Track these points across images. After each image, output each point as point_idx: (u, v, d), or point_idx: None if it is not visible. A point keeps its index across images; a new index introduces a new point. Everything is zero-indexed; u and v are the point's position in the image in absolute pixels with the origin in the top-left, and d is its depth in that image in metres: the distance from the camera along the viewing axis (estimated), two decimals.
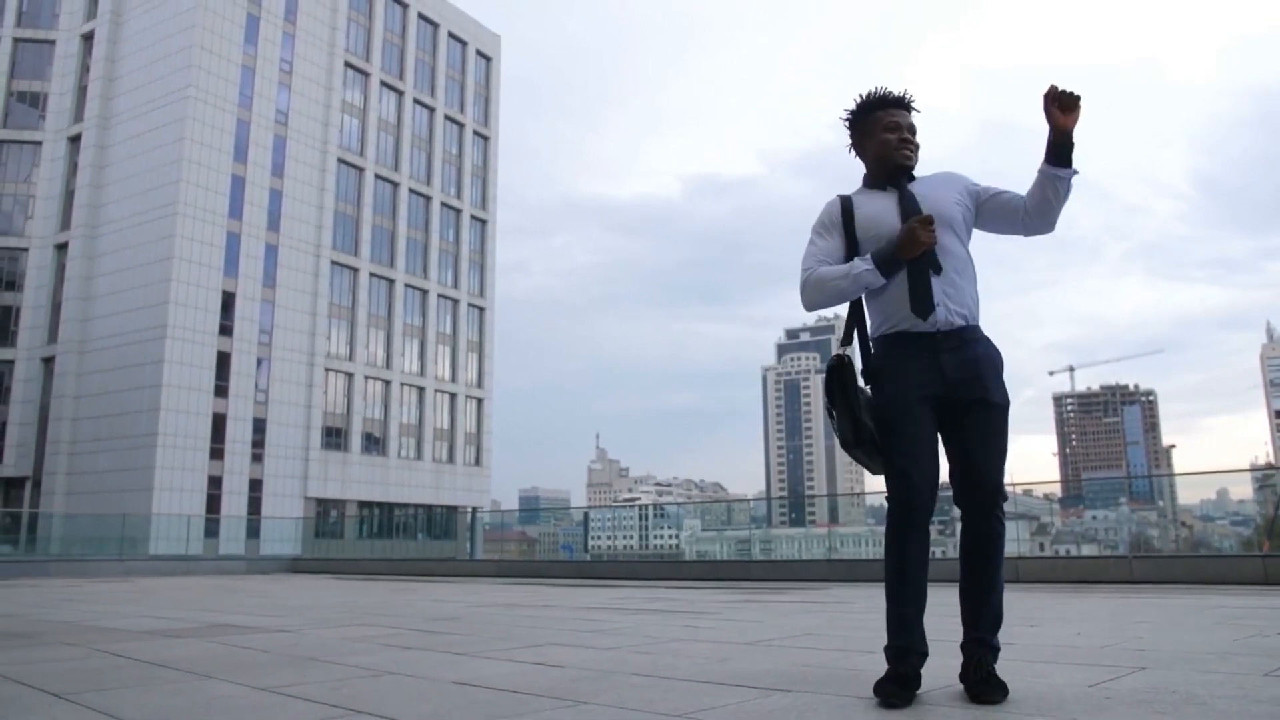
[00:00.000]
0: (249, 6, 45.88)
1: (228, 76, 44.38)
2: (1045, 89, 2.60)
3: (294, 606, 8.06)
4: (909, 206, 2.69)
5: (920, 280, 2.63)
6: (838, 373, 2.66)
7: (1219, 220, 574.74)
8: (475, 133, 57.81)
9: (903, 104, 2.78)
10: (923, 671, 2.60)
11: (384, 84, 52.28)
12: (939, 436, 2.67)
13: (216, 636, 5.10)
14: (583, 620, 6.02)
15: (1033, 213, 2.69)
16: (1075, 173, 2.63)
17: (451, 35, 57.02)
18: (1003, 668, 3.30)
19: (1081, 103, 2.57)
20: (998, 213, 2.77)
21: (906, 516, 2.59)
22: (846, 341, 2.77)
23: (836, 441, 2.77)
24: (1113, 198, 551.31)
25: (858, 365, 2.75)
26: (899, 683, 2.50)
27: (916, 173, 2.81)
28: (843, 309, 2.86)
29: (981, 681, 2.52)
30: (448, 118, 55.91)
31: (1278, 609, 5.88)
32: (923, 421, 2.60)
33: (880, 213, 2.71)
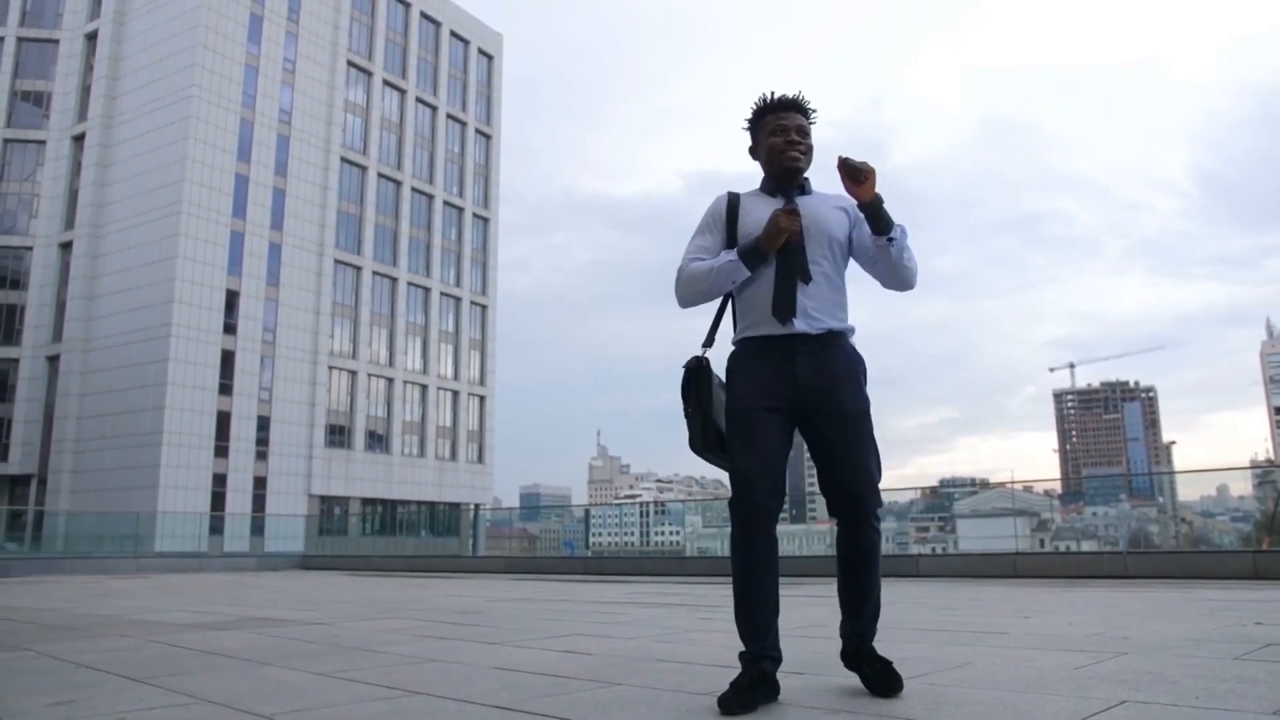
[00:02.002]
0: (252, 6, 46.12)
1: (231, 76, 44.64)
2: (836, 161, 2.60)
3: (318, 601, 8.36)
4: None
5: (785, 284, 2.62)
6: (695, 375, 2.66)
7: (1220, 218, 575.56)
8: (477, 131, 58.08)
9: (792, 106, 2.73)
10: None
11: (386, 83, 52.54)
12: (797, 442, 2.67)
13: (257, 629, 5.40)
14: (600, 614, 6.32)
15: (884, 276, 2.70)
16: (893, 237, 2.62)
17: (454, 34, 57.27)
18: (997, 654, 3.60)
19: (871, 171, 2.57)
20: (860, 250, 2.74)
21: (744, 522, 2.56)
22: (708, 344, 2.74)
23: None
24: (1113, 195, 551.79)
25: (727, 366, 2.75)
26: (737, 690, 2.46)
27: (817, 187, 2.79)
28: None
29: (880, 676, 2.56)
30: (450, 116, 56.17)
31: (1261, 601, 6.18)
32: (767, 425, 2.57)
33: (764, 218, 2.66)
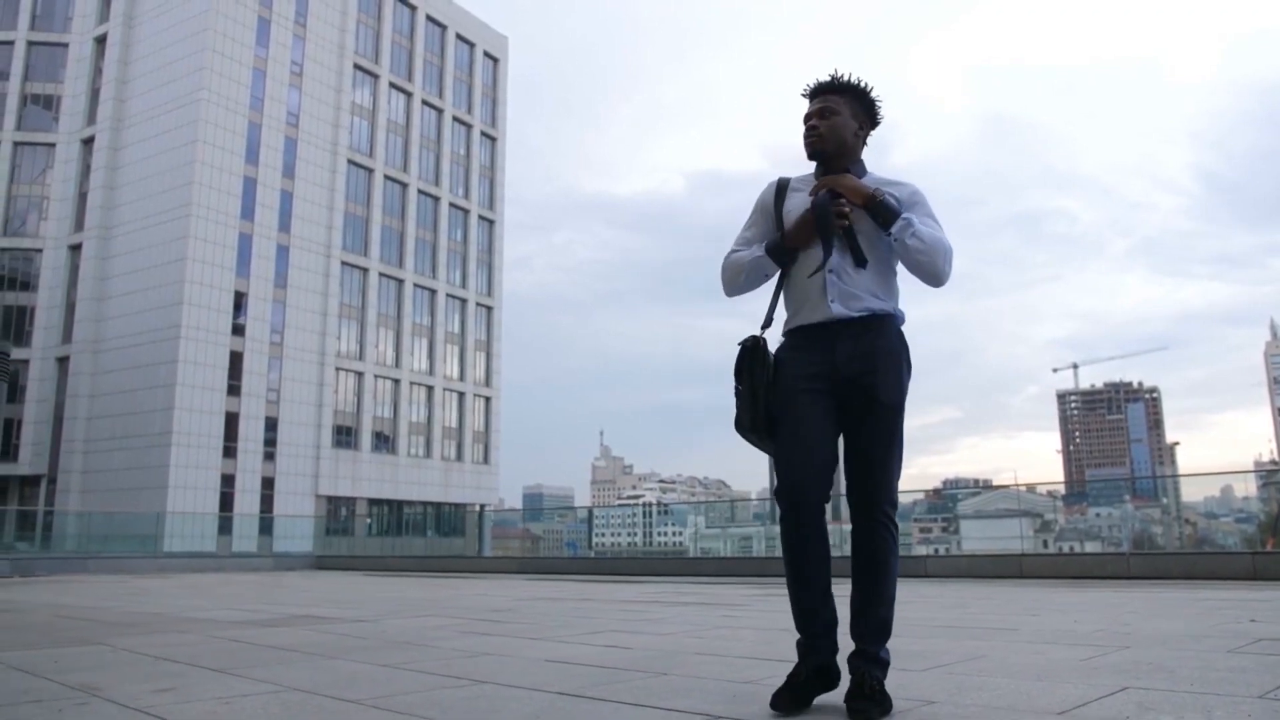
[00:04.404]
0: (260, 9, 46.46)
1: (239, 79, 44.99)
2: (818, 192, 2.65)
3: (350, 600, 8.66)
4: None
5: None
6: (750, 354, 2.67)
7: (1222, 216, 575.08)
8: (483, 133, 58.43)
9: (814, 92, 2.73)
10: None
11: (393, 85, 52.87)
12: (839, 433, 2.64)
13: (307, 626, 5.70)
14: (627, 612, 6.61)
15: (909, 269, 2.64)
16: (898, 230, 2.56)
17: (459, 37, 57.59)
18: (1010, 647, 3.90)
19: (838, 186, 2.62)
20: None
21: (787, 511, 2.58)
22: (766, 324, 2.75)
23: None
24: (1115, 194, 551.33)
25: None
26: (790, 687, 2.51)
27: (882, 174, 2.74)
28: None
29: (864, 697, 2.40)
30: (456, 119, 56.51)
31: (1258, 600, 6.46)
32: (808, 414, 2.57)
33: (801, 205, 2.70)
